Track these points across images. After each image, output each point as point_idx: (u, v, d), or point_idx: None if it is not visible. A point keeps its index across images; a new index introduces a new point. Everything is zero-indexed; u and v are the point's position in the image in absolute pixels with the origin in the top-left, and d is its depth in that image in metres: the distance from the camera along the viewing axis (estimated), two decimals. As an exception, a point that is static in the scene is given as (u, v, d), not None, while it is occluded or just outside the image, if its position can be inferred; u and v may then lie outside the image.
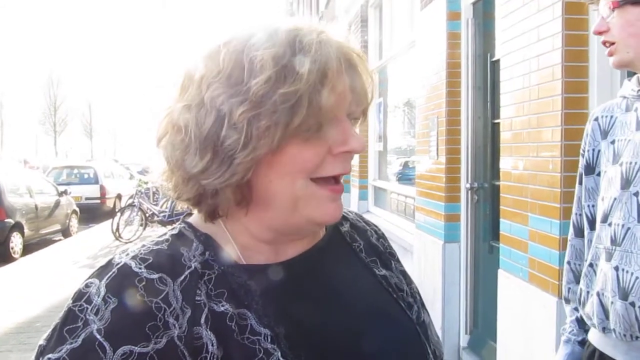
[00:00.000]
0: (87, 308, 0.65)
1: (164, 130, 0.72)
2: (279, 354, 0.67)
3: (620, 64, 1.42)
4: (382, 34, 7.39)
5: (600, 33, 1.43)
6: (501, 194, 3.20)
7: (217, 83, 0.67)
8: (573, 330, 1.57)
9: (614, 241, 1.37)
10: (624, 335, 1.34)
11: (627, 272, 1.32)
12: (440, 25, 4.29)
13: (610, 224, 1.38)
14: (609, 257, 1.37)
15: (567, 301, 1.61)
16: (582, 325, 1.54)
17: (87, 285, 0.68)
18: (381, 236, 0.93)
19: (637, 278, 1.30)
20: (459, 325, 4.23)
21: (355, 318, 0.77)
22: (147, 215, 11.13)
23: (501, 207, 3.19)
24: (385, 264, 0.88)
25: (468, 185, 4.09)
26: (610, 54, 1.42)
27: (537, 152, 2.77)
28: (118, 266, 0.69)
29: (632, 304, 1.31)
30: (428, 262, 4.50)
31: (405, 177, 6.35)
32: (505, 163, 3.15)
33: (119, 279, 0.67)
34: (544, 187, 2.69)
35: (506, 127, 3.14)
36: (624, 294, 1.32)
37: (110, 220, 11.00)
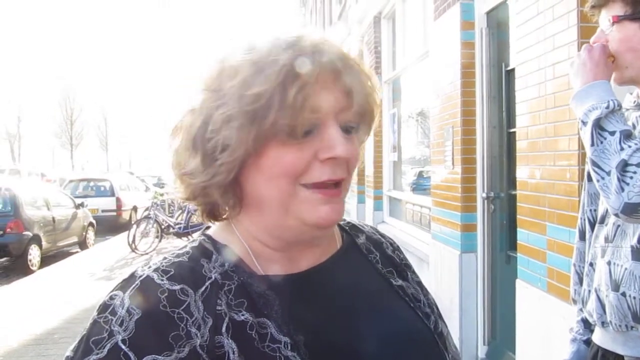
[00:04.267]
0: (112, 319, 0.66)
1: (172, 131, 0.78)
2: None
3: (622, 81, 1.48)
4: (395, 44, 7.41)
5: None
6: (518, 204, 3.18)
7: (205, 90, 0.72)
8: (579, 330, 1.65)
9: (607, 239, 1.46)
10: (620, 326, 1.41)
11: (617, 265, 1.41)
12: (454, 35, 4.29)
13: (606, 224, 1.47)
14: (603, 254, 1.47)
15: (574, 302, 1.67)
16: (587, 325, 1.62)
17: (111, 298, 0.70)
18: (396, 248, 0.95)
19: (625, 269, 1.39)
20: (476, 336, 4.19)
21: (374, 327, 0.77)
22: (163, 227, 11.19)
23: (518, 216, 3.17)
24: (402, 275, 0.89)
25: (484, 195, 4.07)
26: (612, 70, 1.47)
27: (554, 161, 2.75)
28: (141, 278, 0.71)
29: (624, 294, 1.39)
30: (445, 272, 4.48)
31: (420, 187, 6.33)
32: (522, 172, 3.14)
33: (142, 290, 0.69)
34: (562, 196, 2.67)
35: (522, 136, 3.13)
36: (615, 286, 1.41)
37: (127, 232, 11.07)
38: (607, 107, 1.35)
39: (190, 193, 0.76)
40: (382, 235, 0.95)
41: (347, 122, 0.74)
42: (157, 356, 0.64)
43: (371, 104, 0.76)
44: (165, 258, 0.75)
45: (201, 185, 0.74)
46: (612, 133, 1.33)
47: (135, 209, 15.92)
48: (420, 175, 6.50)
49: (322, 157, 0.71)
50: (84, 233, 12.05)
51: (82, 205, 12.08)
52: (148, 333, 0.65)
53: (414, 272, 0.92)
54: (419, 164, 6.55)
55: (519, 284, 3.16)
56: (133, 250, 10.47)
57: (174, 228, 11.22)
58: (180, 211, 11.70)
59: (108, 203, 15.02)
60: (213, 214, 0.79)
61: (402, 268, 0.90)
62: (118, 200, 15.19)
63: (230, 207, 0.77)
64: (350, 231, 0.90)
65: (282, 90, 0.68)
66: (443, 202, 4.58)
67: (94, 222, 12.73)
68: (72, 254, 11.33)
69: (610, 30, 1.45)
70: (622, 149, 1.30)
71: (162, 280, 0.70)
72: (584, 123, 1.39)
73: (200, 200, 0.77)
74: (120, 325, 0.66)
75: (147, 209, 12.01)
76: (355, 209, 9.02)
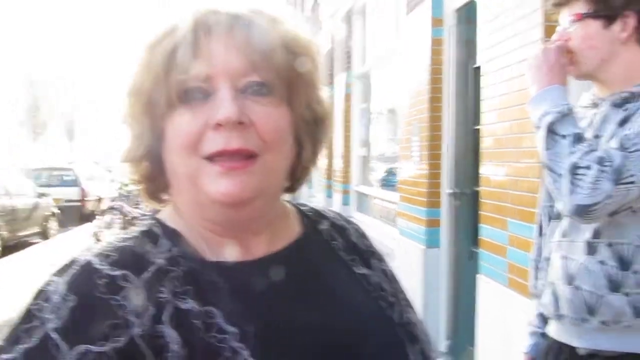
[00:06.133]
0: (45, 307, 0.63)
1: None
2: (247, 353, 0.65)
3: (579, 75, 1.54)
4: (366, 40, 7.42)
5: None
6: (481, 200, 3.22)
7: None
8: (537, 323, 1.68)
9: (562, 234, 1.49)
10: (574, 319, 1.44)
11: (572, 259, 1.45)
12: (424, 32, 4.31)
13: (562, 220, 1.50)
14: (558, 249, 1.50)
15: (533, 296, 1.70)
16: (545, 318, 1.64)
17: (47, 284, 0.66)
18: (362, 234, 0.90)
19: (580, 264, 1.42)
20: (438, 331, 4.23)
21: (331, 317, 0.74)
22: (128, 218, 11.02)
23: (481, 212, 3.21)
24: (366, 262, 0.85)
25: (450, 191, 4.11)
26: (570, 63, 1.51)
27: (518, 158, 2.79)
28: (80, 263, 0.67)
29: (577, 288, 1.42)
30: (409, 267, 4.50)
31: (389, 183, 6.36)
32: (486, 169, 3.17)
33: (80, 276, 0.66)
34: (524, 192, 2.71)
35: (487, 133, 3.16)
36: (570, 280, 1.44)
37: (91, 223, 10.88)
38: (560, 112, 1.40)
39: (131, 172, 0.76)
40: (348, 221, 0.91)
41: (251, 82, 0.68)
42: (90, 346, 0.60)
43: (289, 61, 0.70)
44: (109, 242, 0.71)
45: (123, 159, 0.74)
46: (564, 137, 1.37)
47: (100, 199, 15.63)
48: (389, 171, 6.52)
49: (210, 123, 0.67)
50: (46, 223, 11.80)
51: (44, 194, 11.82)
52: (82, 321, 0.62)
53: (379, 259, 0.88)
54: (389, 160, 6.57)
55: (481, 279, 3.20)
56: (97, 242, 10.29)
57: (139, 219, 11.06)
58: (146, 204, 11.54)
59: (72, 193, 14.71)
60: (153, 194, 0.77)
61: (367, 255, 0.86)
62: (82, 190, 14.90)
63: (156, 184, 0.76)
64: (313, 217, 0.86)
65: (149, 57, 0.69)
66: (409, 197, 4.61)
67: (56, 212, 12.47)
68: (33, 244, 11.08)
69: (572, 27, 1.48)
70: (572, 152, 1.35)
71: (103, 265, 0.66)
72: (538, 128, 1.44)
73: (135, 177, 0.76)
74: (53, 313, 0.62)
75: (112, 200, 11.82)
76: (324, 204, 9.03)
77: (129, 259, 0.68)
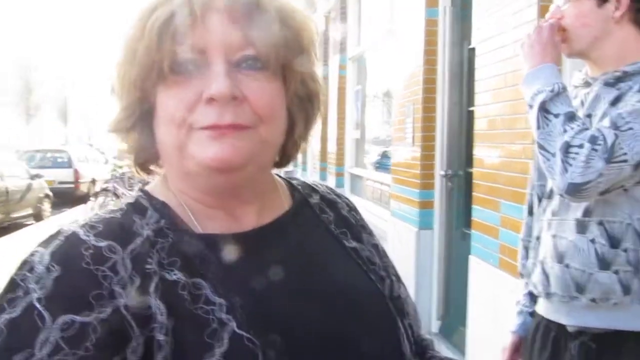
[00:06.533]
0: (29, 277, 0.63)
1: None
2: (235, 324, 0.65)
3: (572, 53, 1.53)
4: (361, 21, 7.36)
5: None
6: (474, 181, 3.22)
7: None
8: (525, 302, 1.69)
9: (553, 213, 1.50)
10: (563, 297, 1.45)
11: (561, 237, 1.46)
12: (418, 13, 4.28)
13: (553, 199, 1.51)
14: (549, 227, 1.51)
15: (522, 276, 1.71)
16: (533, 298, 1.65)
17: (32, 254, 0.66)
18: (353, 209, 0.91)
19: (570, 242, 1.43)
20: (430, 312, 4.26)
21: (321, 290, 0.74)
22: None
23: (474, 193, 3.21)
24: (356, 236, 0.85)
25: (443, 173, 4.11)
26: (563, 41, 1.51)
27: (511, 139, 2.78)
28: (66, 234, 0.67)
29: (567, 266, 1.43)
30: (402, 249, 4.52)
31: (382, 165, 6.36)
32: (479, 150, 3.17)
33: (65, 247, 0.65)
34: (517, 173, 2.71)
35: (481, 115, 3.15)
36: (560, 258, 1.45)
37: (84, 205, 10.85)
38: (552, 91, 1.39)
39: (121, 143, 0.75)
40: (338, 195, 0.91)
41: (246, 56, 0.67)
42: (74, 316, 0.60)
43: (284, 35, 0.69)
44: (96, 214, 0.71)
45: (111, 130, 0.73)
46: (557, 116, 1.37)
47: (93, 181, 15.57)
48: (383, 154, 6.52)
49: (203, 97, 0.66)
50: (40, 205, 11.76)
51: (37, 176, 11.77)
52: (66, 292, 0.61)
53: (370, 233, 0.89)
54: (383, 142, 6.56)
55: (472, 260, 3.21)
56: (90, 223, 10.27)
57: (131, 199, 11.05)
58: (141, 184, 11.51)
59: (65, 175, 14.66)
60: (142, 165, 0.77)
61: (357, 229, 0.87)
62: (76, 172, 14.84)
63: (145, 155, 0.75)
64: (303, 191, 0.86)
65: (143, 25, 0.66)
66: (402, 179, 4.61)
67: (50, 193, 12.43)
68: (26, 226, 11.06)
69: (566, 5, 1.48)
70: (565, 131, 1.35)
71: (89, 236, 0.66)
72: (531, 107, 1.44)
73: (123, 148, 0.75)
74: (37, 283, 0.62)
75: (106, 182, 11.79)
76: (317, 186, 9.03)
77: (115, 230, 0.68)
